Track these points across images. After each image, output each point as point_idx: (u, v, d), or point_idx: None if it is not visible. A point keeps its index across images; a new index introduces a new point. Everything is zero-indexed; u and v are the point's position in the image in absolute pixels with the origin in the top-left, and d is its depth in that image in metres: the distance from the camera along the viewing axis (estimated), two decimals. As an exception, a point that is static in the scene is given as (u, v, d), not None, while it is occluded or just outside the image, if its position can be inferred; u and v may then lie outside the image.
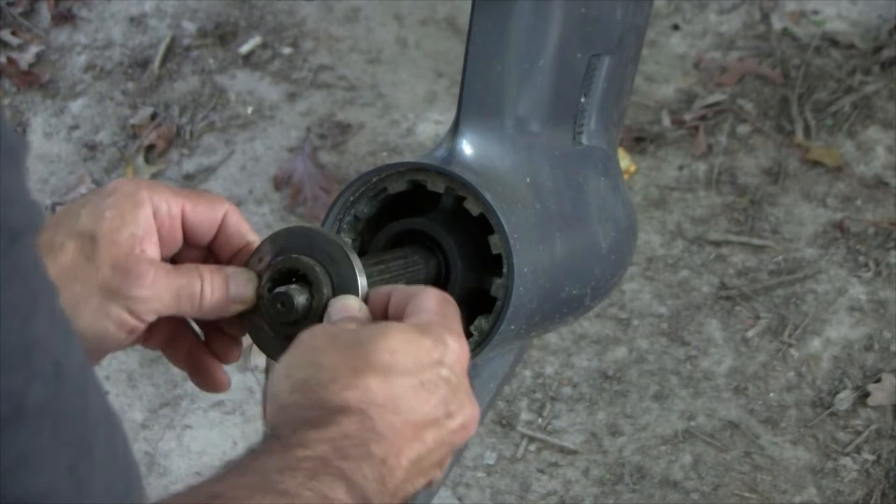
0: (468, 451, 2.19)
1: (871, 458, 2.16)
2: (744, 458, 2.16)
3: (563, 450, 2.20)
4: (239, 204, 2.52)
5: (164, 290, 0.90)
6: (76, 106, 2.76)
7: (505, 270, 1.06)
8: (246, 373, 2.30)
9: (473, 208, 1.07)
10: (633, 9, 1.25)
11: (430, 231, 1.09)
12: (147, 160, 2.66)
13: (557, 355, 2.30)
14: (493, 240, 1.06)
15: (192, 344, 1.00)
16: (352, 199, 1.11)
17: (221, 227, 0.96)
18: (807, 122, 2.60)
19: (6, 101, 2.78)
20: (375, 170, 1.09)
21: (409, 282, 1.04)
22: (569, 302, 1.18)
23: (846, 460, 2.15)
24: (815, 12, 2.80)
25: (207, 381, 1.00)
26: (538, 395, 2.26)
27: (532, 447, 2.20)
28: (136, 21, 2.88)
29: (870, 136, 2.58)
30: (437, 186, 1.08)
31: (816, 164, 2.54)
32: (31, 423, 0.59)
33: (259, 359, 2.27)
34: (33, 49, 2.86)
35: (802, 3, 2.81)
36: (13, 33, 2.89)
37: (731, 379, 2.26)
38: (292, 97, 2.72)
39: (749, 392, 2.24)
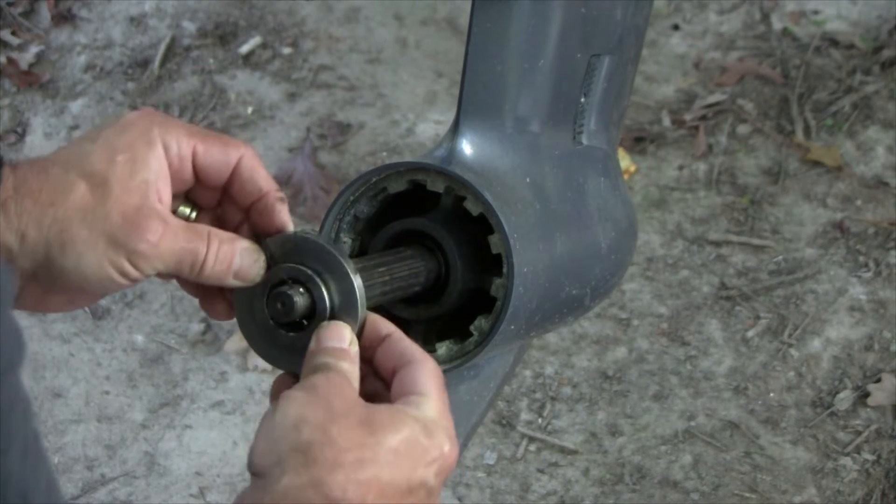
0: (468, 451, 2.19)
1: (871, 458, 2.16)
2: (744, 458, 2.16)
3: (563, 450, 2.20)
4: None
5: (167, 251, 0.88)
6: (76, 106, 2.76)
7: (505, 270, 1.06)
8: (246, 373, 2.30)
9: (473, 208, 1.07)
10: (633, 9, 1.25)
11: (429, 231, 1.09)
12: (147, 160, 2.66)
13: (557, 355, 2.30)
14: (493, 240, 1.06)
15: None
16: (352, 198, 1.11)
17: (235, 171, 0.94)
18: (807, 122, 2.60)
19: (6, 102, 2.78)
20: (375, 170, 1.09)
21: (409, 281, 1.04)
22: (569, 302, 1.18)
23: (846, 460, 2.15)
24: (815, 12, 2.80)
25: (216, 310, 0.98)
26: (538, 395, 2.26)
27: (532, 447, 2.20)
28: (136, 21, 2.88)
29: (870, 136, 2.58)
30: (437, 186, 1.08)
31: (816, 164, 2.54)
32: None
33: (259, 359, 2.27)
34: (33, 49, 2.86)
35: (802, 3, 2.81)
36: (13, 33, 2.89)
37: (731, 379, 2.26)
38: (292, 97, 2.72)
39: (749, 392, 2.24)
